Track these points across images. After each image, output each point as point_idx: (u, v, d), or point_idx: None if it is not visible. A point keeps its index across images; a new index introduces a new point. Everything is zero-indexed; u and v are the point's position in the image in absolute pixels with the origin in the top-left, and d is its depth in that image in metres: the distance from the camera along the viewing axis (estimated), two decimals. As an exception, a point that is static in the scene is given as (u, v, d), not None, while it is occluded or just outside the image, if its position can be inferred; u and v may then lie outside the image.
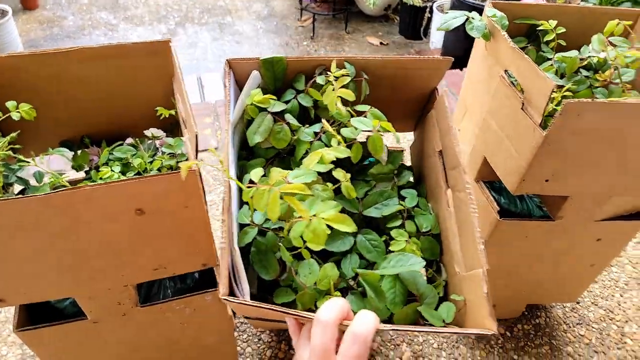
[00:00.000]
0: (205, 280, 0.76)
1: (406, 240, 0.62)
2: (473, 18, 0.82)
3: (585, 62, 0.80)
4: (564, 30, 0.85)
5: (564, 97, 0.75)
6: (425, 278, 0.62)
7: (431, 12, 2.47)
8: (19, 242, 0.49)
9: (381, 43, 2.35)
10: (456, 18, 0.80)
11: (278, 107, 0.64)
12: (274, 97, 0.65)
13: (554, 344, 1.05)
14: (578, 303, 1.14)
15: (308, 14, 2.72)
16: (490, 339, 1.06)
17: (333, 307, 0.42)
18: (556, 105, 0.75)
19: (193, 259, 0.61)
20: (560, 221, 0.84)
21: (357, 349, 0.40)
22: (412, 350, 1.03)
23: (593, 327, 1.09)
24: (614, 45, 0.76)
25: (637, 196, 0.81)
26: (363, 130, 0.62)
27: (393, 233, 0.63)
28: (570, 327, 1.09)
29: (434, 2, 2.43)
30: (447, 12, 0.83)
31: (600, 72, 0.76)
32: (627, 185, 0.77)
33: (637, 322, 1.11)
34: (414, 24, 2.65)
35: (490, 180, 0.92)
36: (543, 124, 0.70)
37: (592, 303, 1.14)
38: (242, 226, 0.57)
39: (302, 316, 0.44)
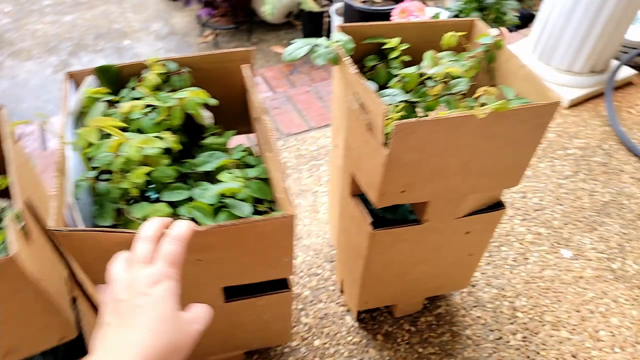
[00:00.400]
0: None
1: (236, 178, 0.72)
2: (318, 45, 0.85)
3: (426, 75, 0.86)
4: (407, 46, 0.91)
5: (406, 109, 0.80)
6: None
7: (329, 16, 2.53)
8: None
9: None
10: (301, 48, 0.84)
11: (109, 97, 0.75)
12: (109, 91, 0.76)
13: (454, 330, 1.13)
14: (474, 286, 1.23)
15: (209, 29, 2.70)
16: (397, 337, 1.12)
17: (153, 224, 0.49)
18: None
19: (49, 335, 0.61)
20: (427, 223, 0.90)
21: (173, 248, 0.46)
22: (323, 362, 1.07)
23: (488, 307, 1.18)
24: (445, 60, 0.83)
25: (488, 191, 0.89)
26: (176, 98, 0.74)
27: (222, 176, 0.72)
28: (467, 311, 1.17)
29: (332, 4, 2.49)
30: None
31: (433, 86, 0.82)
32: (475, 184, 0.84)
33: (525, 294, 1.21)
34: (316, 29, 2.70)
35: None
36: (387, 142, 0.75)
37: (486, 284, 1.23)
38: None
39: (125, 232, 0.53)
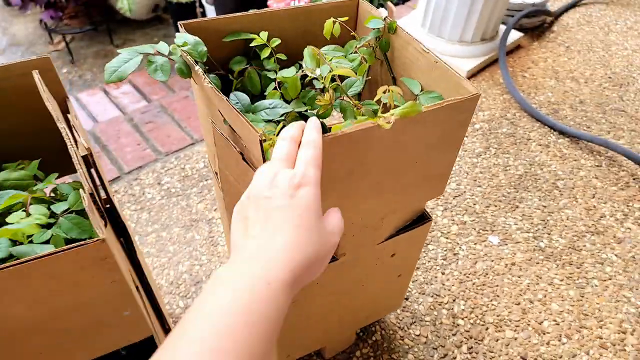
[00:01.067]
0: None
1: None
2: (155, 55, 0.62)
3: (310, 76, 0.67)
4: (279, 42, 0.70)
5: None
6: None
7: (202, 5, 2.25)
8: None
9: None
10: (128, 62, 0.59)
11: None
12: None
13: (395, 357, 0.98)
14: (407, 299, 1.09)
15: (59, 35, 2.28)
16: (330, 384, 0.94)
17: (293, 126, 0.48)
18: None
19: None
20: (344, 257, 0.72)
21: (314, 152, 0.44)
22: None
23: (426, 321, 1.05)
24: (329, 58, 0.64)
25: (408, 208, 0.73)
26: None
27: (12, 218, 0.45)
28: (405, 330, 1.03)
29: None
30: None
31: (322, 94, 0.63)
32: (393, 203, 0.68)
33: (462, 296, 1.09)
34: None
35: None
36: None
37: (420, 293, 1.10)
38: None
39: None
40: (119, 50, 0.60)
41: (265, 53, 0.70)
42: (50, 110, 0.53)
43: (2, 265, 0.39)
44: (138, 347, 0.63)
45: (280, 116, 0.63)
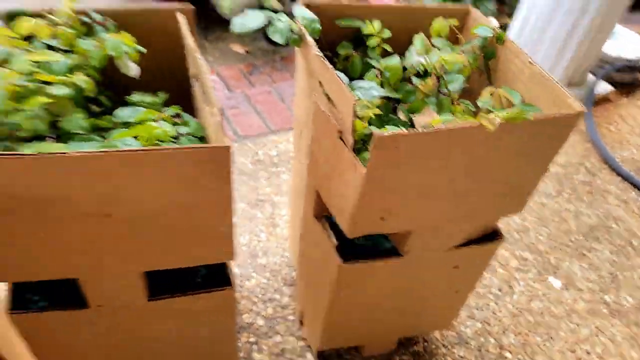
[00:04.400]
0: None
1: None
2: (279, 19, 0.67)
3: (412, 69, 0.69)
4: (389, 34, 0.73)
5: (378, 116, 0.62)
6: None
7: (292, 16, 2.34)
8: None
9: (247, 51, 2.18)
10: (254, 19, 0.65)
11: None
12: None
13: (433, 374, 0.96)
14: (455, 320, 1.06)
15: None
16: (366, 382, 0.94)
17: None
18: (383, 116, 0.63)
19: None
20: (408, 256, 0.72)
21: None
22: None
23: (471, 345, 1.02)
24: (438, 48, 0.66)
25: (482, 219, 0.72)
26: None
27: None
28: (449, 349, 1.01)
29: (293, 4, 2.31)
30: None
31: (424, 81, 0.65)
32: (468, 210, 0.67)
33: (513, 330, 1.05)
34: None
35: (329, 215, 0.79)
36: (355, 149, 0.57)
37: (468, 316, 1.07)
38: None
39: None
40: (247, 10, 0.65)
41: (373, 42, 0.73)
42: (188, 46, 0.60)
43: (139, 148, 0.45)
44: (212, 275, 0.67)
45: (374, 97, 0.65)
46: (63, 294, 0.62)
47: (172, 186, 0.49)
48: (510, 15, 1.93)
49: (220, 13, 2.43)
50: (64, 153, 0.43)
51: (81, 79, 0.55)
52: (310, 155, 0.72)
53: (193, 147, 0.46)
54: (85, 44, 0.59)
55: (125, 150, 0.45)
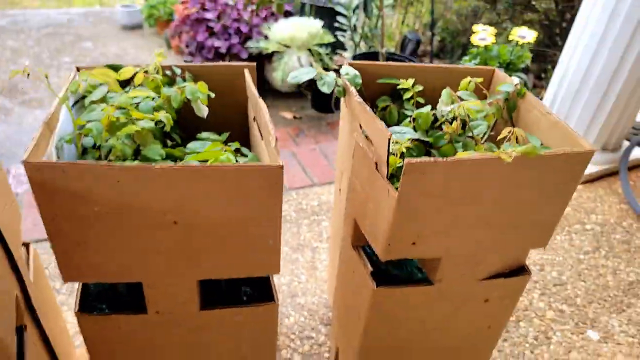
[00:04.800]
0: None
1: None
2: (327, 75, 0.80)
3: (442, 118, 0.79)
4: (421, 88, 0.85)
5: (408, 149, 0.72)
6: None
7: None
8: None
9: (295, 117, 2.39)
10: (306, 73, 0.78)
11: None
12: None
13: (465, 418, 0.96)
14: (488, 367, 1.07)
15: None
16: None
17: None
18: (417, 152, 0.72)
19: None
20: (439, 284, 0.78)
21: None
22: None
23: (505, 393, 1.02)
24: (462, 99, 0.76)
25: (510, 251, 0.78)
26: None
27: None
28: (481, 395, 1.01)
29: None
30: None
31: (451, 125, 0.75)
32: (497, 241, 0.74)
33: (548, 381, 1.05)
34: (324, 99, 2.71)
35: (366, 245, 0.86)
36: (389, 178, 0.66)
37: (503, 365, 1.08)
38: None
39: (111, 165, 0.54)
40: (302, 67, 0.79)
41: (407, 95, 0.84)
42: (252, 93, 0.73)
43: (208, 165, 0.56)
44: (257, 294, 0.76)
45: (408, 139, 0.75)
46: (122, 303, 0.71)
47: (231, 199, 0.59)
48: (545, 88, 2.04)
49: (272, 85, 2.69)
50: (148, 165, 0.54)
51: (163, 115, 0.68)
52: (349, 187, 0.82)
53: (251, 165, 0.57)
54: (168, 90, 0.73)
55: (196, 166, 0.56)
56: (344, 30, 2.53)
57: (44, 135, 0.58)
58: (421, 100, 0.85)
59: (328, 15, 2.72)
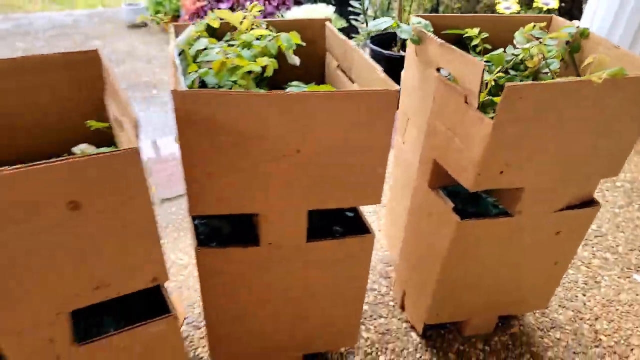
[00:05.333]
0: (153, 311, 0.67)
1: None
2: (404, 24, 0.85)
3: (512, 61, 0.84)
4: (487, 35, 0.90)
5: (496, 80, 0.77)
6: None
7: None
8: None
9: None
10: (385, 22, 0.83)
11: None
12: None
13: (534, 351, 1.02)
14: (547, 308, 1.13)
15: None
16: (471, 356, 1.00)
17: None
18: (489, 94, 0.77)
19: (141, 273, 0.53)
20: (519, 216, 0.83)
21: None
22: (392, 382, 0.95)
23: (567, 329, 1.07)
24: (537, 38, 0.81)
25: (585, 181, 0.83)
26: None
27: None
28: (545, 332, 1.06)
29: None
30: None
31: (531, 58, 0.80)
32: (575, 169, 0.79)
33: (605, 317, 1.10)
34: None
35: (442, 186, 0.91)
36: (481, 110, 0.71)
37: (560, 306, 1.13)
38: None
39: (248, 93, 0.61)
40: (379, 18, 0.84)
41: (475, 42, 0.89)
42: (342, 44, 0.78)
43: (331, 90, 0.60)
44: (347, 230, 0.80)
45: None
46: (228, 243, 0.75)
47: (350, 125, 0.63)
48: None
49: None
50: (282, 92, 0.59)
51: (267, 60, 0.72)
52: (428, 131, 0.87)
53: (371, 89, 0.61)
54: (264, 41, 0.78)
55: (325, 91, 0.60)
56: (358, 14, 2.58)
57: (174, 74, 0.62)
58: (488, 47, 0.90)
59: (340, 1, 2.77)
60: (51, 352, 0.54)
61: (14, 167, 0.39)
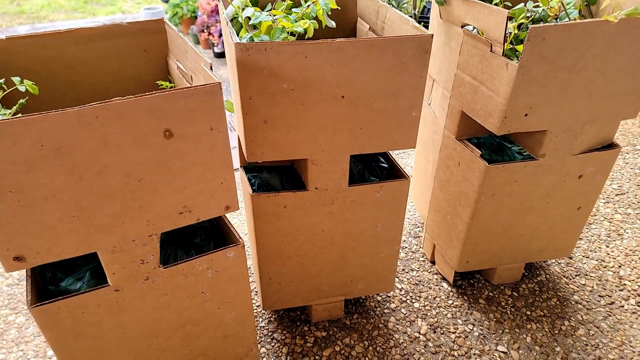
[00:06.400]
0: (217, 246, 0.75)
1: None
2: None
3: (532, 16, 0.91)
4: (507, -6, 0.97)
5: (524, 27, 0.84)
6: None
7: None
8: (39, 175, 0.48)
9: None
10: (416, -12, 0.90)
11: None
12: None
13: (560, 295, 1.08)
14: (571, 258, 1.18)
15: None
16: (500, 301, 1.07)
17: None
18: (513, 43, 0.84)
19: (217, 200, 0.61)
20: (543, 159, 0.90)
21: None
22: (428, 324, 1.01)
23: (591, 276, 1.13)
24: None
25: (605, 122, 0.89)
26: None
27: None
28: (570, 279, 1.12)
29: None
30: None
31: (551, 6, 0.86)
32: (595, 110, 0.85)
33: (629, 265, 1.15)
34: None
35: (468, 138, 0.98)
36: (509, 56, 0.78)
37: (584, 256, 1.19)
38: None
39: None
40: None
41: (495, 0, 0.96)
42: (374, 4, 0.86)
43: (374, 37, 0.67)
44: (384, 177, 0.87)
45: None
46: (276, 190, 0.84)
47: (389, 70, 0.70)
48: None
49: None
50: (330, 40, 0.66)
51: (310, 21, 0.80)
52: (455, 84, 0.94)
53: (406, 35, 0.69)
54: (306, 5, 0.86)
55: (367, 39, 0.68)
56: None
57: (230, 37, 0.71)
58: (509, 3, 0.96)
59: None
60: (142, 272, 0.62)
61: (124, 97, 0.48)
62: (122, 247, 0.58)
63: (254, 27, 0.79)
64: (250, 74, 0.67)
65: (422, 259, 1.20)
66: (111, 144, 0.49)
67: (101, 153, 0.49)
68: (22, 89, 0.61)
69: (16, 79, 0.62)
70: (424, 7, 2.94)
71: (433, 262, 1.18)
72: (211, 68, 0.57)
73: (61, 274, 0.68)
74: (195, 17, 4.41)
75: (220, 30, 3.17)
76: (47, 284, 0.67)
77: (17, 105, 0.60)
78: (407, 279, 1.14)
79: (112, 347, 0.67)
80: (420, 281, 1.13)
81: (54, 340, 0.61)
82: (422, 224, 1.32)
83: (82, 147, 0.48)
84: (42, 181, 0.48)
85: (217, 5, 3.23)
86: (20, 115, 0.56)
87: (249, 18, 0.81)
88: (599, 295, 1.07)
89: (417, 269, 1.17)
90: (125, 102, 0.47)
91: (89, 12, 5.10)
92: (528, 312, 1.04)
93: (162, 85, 0.73)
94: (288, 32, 0.78)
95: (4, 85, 0.61)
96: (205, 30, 3.34)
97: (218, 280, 0.70)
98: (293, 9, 0.86)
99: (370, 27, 0.92)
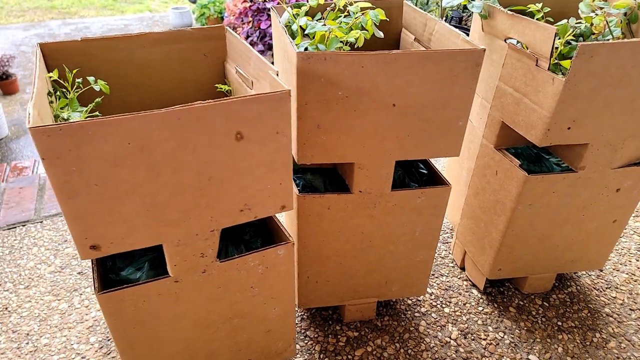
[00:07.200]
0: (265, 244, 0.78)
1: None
2: (475, 1, 0.94)
3: (574, 31, 0.93)
4: (549, 9, 0.98)
5: (567, 43, 0.85)
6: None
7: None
8: (123, 171, 0.52)
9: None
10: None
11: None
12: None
13: (592, 307, 1.08)
14: (601, 271, 1.19)
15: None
16: (531, 310, 1.08)
17: None
18: (558, 57, 0.86)
19: (275, 200, 0.64)
20: (582, 172, 0.91)
21: None
22: (458, 329, 1.03)
23: (622, 289, 1.13)
24: (600, 8, 0.90)
25: (645, 137, 0.91)
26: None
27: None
28: (601, 291, 1.13)
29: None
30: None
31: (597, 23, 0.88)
32: (637, 126, 0.86)
33: (659, 280, 1.16)
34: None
35: (507, 148, 1.00)
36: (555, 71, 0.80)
37: (614, 269, 1.19)
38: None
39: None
40: (454, -7, 0.94)
41: (537, 15, 0.98)
42: (422, 17, 0.87)
43: (425, 50, 0.70)
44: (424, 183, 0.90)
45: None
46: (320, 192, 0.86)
47: (440, 81, 0.72)
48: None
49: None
50: (387, 52, 0.69)
51: (361, 32, 0.83)
52: (496, 95, 0.95)
53: (460, 49, 0.71)
54: (357, 16, 0.88)
55: (422, 51, 0.70)
56: None
57: (288, 44, 0.74)
58: (551, 19, 0.98)
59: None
60: (201, 265, 0.66)
61: (204, 101, 0.51)
62: (186, 241, 0.62)
63: (306, 33, 0.82)
64: (308, 81, 0.70)
65: (452, 264, 1.22)
66: (188, 144, 0.52)
67: (179, 152, 0.53)
68: (96, 88, 0.65)
69: (91, 79, 0.65)
70: (451, 16, 2.95)
71: (462, 269, 1.20)
72: (277, 75, 0.60)
73: (121, 263, 0.71)
74: (222, 18, 4.47)
75: (248, 32, 3.21)
76: (108, 272, 0.70)
77: (93, 103, 0.64)
78: (437, 284, 1.16)
79: (166, 335, 0.70)
80: (450, 287, 1.15)
81: (116, 326, 0.65)
82: (452, 230, 1.34)
83: (163, 146, 0.51)
84: (125, 177, 0.52)
85: (245, 8, 3.28)
86: (97, 113, 0.60)
87: (302, 28, 0.84)
88: (630, 309, 1.08)
89: (446, 274, 1.18)
90: (206, 106, 0.51)
91: (118, 10, 5.21)
92: (559, 323, 1.05)
93: (221, 88, 0.76)
94: (342, 42, 0.81)
95: (80, 85, 0.65)
96: (233, 30, 3.38)
97: (267, 276, 0.73)
98: (341, 19, 0.89)
99: (415, 38, 0.94)
